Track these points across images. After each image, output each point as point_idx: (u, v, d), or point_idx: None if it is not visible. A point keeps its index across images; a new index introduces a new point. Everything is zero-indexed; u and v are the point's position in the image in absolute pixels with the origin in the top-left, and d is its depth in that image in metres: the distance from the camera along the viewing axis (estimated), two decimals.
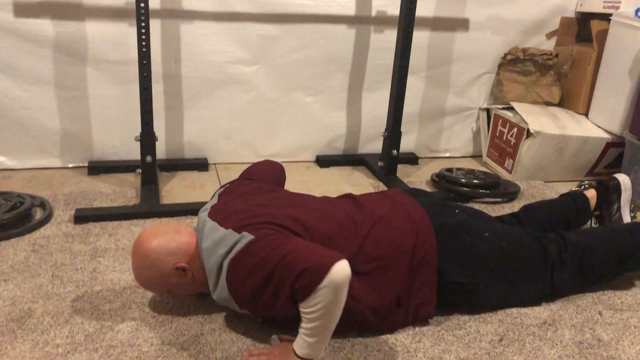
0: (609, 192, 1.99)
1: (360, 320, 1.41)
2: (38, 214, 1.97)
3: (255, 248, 1.28)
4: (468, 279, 1.50)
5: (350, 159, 2.78)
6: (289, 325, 1.36)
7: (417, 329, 1.48)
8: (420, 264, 1.46)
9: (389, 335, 1.45)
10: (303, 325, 1.25)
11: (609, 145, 2.62)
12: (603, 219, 2.00)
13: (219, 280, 1.35)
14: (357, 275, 1.38)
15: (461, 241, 1.52)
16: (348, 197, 1.62)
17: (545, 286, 1.61)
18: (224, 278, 1.33)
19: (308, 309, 1.21)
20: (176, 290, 1.46)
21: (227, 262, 1.31)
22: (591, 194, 1.98)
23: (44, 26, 2.22)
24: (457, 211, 1.63)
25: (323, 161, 2.73)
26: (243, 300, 1.35)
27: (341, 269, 1.18)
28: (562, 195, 2.07)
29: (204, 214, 1.47)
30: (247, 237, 1.30)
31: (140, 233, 1.44)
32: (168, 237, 1.40)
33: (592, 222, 2.02)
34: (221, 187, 1.64)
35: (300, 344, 1.27)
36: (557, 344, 1.46)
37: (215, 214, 1.43)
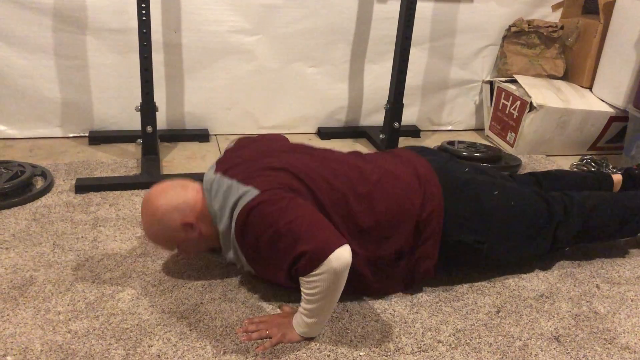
0: (636, 182, 1.91)
1: (356, 274, 1.37)
2: (39, 184, 1.98)
3: (260, 209, 1.26)
4: (474, 237, 1.47)
5: (351, 131, 2.77)
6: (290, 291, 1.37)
7: (414, 300, 1.49)
8: (426, 220, 1.43)
9: (386, 306, 1.46)
10: (303, 305, 1.26)
11: (612, 119, 2.60)
12: None
13: (230, 235, 1.35)
14: (358, 230, 1.37)
15: (469, 199, 1.49)
16: (355, 153, 1.59)
17: (547, 243, 1.60)
18: (233, 231, 1.32)
19: (307, 291, 1.22)
20: (185, 247, 1.47)
21: (235, 215, 1.31)
22: (617, 178, 1.92)
23: None
24: (466, 169, 1.59)
25: (324, 133, 2.72)
26: (247, 256, 1.35)
27: (341, 256, 1.17)
28: (588, 172, 1.99)
29: (209, 171, 1.46)
30: (253, 191, 1.29)
31: (149, 190, 1.45)
32: (175, 193, 1.41)
33: None
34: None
35: (299, 322, 1.29)
36: (553, 316, 1.48)
37: (220, 166, 1.43)
